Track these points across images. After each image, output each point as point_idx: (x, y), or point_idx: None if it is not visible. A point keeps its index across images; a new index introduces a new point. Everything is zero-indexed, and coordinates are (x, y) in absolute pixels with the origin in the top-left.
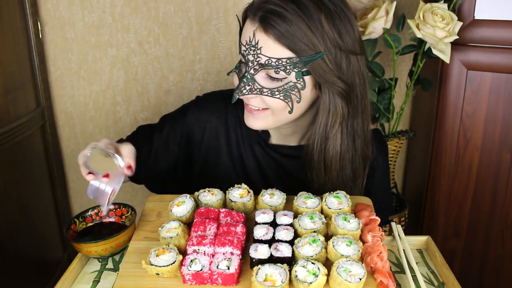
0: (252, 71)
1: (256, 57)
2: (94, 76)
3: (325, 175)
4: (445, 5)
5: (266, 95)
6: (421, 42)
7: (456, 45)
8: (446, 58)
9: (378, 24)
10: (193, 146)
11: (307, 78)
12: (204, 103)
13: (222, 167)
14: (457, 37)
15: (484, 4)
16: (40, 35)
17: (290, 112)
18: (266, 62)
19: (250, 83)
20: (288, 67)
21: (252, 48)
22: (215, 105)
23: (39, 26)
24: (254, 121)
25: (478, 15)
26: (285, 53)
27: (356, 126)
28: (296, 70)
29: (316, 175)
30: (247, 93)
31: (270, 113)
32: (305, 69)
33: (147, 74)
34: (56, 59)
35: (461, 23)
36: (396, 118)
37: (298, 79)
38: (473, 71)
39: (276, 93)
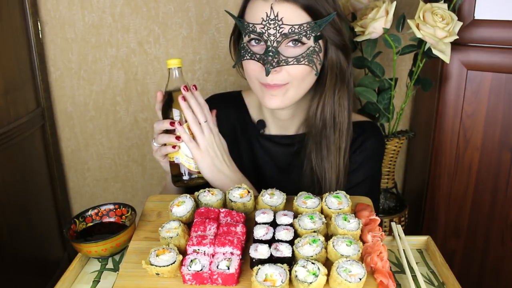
0: (275, 44)
1: (278, 28)
2: (94, 76)
3: (334, 132)
4: (445, 5)
5: (292, 64)
6: (421, 42)
7: (456, 45)
8: (446, 58)
9: (378, 24)
10: None
11: (320, 42)
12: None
13: None
14: (457, 37)
15: (484, 4)
16: (40, 35)
17: (316, 75)
18: (290, 31)
19: (276, 56)
20: (308, 32)
21: (272, 22)
22: (214, 105)
23: (39, 26)
24: (276, 100)
25: (478, 15)
26: (304, 17)
27: (351, 87)
28: (314, 35)
29: (326, 135)
30: (276, 65)
31: (290, 86)
32: (319, 33)
33: (147, 74)
34: (56, 59)
35: (461, 23)
36: (396, 118)
37: (315, 43)
38: (473, 71)
39: (301, 59)
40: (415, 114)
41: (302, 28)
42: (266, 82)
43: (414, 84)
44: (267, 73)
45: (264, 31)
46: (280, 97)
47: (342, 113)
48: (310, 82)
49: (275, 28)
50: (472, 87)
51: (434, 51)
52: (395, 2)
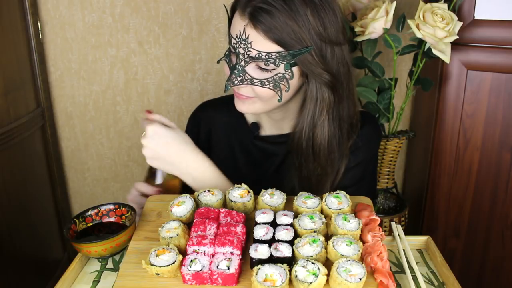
0: (243, 63)
1: (246, 50)
2: (94, 76)
3: (314, 160)
4: (445, 5)
5: (257, 85)
6: (421, 42)
7: (456, 45)
8: (446, 58)
9: (378, 24)
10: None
11: (295, 68)
12: (196, 113)
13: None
14: (457, 37)
15: (484, 4)
16: (40, 35)
17: (279, 101)
18: (257, 56)
19: (241, 74)
20: (277, 60)
21: (243, 42)
22: (205, 113)
23: (39, 26)
24: (243, 105)
25: (478, 15)
26: (274, 47)
27: (342, 111)
28: (285, 62)
29: (305, 160)
30: (238, 83)
31: (257, 99)
32: (293, 61)
33: (147, 74)
34: (56, 59)
35: (461, 23)
36: (396, 118)
37: (286, 70)
38: (473, 71)
39: (266, 83)
40: (415, 114)
41: (270, 55)
42: (235, 89)
43: (414, 84)
44: (226, 89)
45: (236, 47)
46: (247, 105)
47: (321, 134)
48: (278, 103)
49: (244, 49)
50: (472, 87)
51: (434, 51)
52: (395, 2)
